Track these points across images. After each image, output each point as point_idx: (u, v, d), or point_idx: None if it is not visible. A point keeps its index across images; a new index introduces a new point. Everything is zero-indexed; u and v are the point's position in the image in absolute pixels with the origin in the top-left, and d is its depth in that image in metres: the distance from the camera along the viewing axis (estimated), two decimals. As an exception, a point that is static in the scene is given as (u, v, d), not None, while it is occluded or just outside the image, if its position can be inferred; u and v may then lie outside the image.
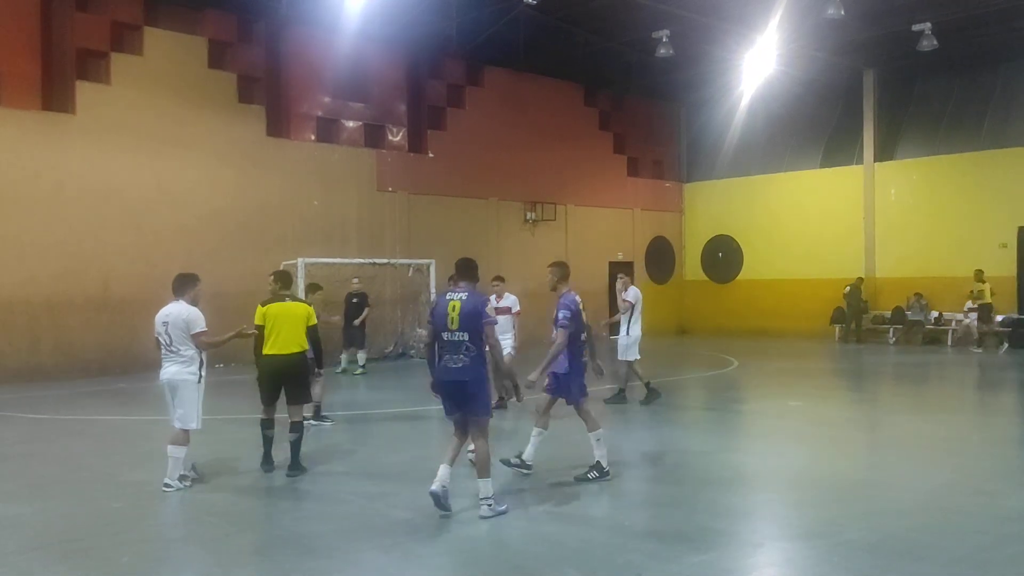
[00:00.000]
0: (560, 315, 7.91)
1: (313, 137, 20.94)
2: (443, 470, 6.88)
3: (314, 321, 8.60)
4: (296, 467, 8.30)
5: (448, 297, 7.08)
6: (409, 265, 20.70)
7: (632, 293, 13.00)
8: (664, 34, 21.01)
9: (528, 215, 24.87)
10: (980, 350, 21.23)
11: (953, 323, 22.81)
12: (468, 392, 6.93)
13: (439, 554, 6.08)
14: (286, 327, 8.32)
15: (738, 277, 27.90)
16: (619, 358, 13.03)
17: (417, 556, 6.01)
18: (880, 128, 25.21)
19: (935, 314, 23.28)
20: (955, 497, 7.49)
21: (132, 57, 18.01)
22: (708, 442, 10.47)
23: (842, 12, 18.35)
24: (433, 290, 20.29)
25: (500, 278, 13.00)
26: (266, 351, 8.35)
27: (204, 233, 18.61)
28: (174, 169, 18.37)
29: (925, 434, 10.68)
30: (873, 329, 24.30)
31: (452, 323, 6.92)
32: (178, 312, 7.85)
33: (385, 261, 20.19)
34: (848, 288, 24.01)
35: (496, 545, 6.28)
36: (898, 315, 23.85)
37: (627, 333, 12.84)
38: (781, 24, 20.15)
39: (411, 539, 6.40)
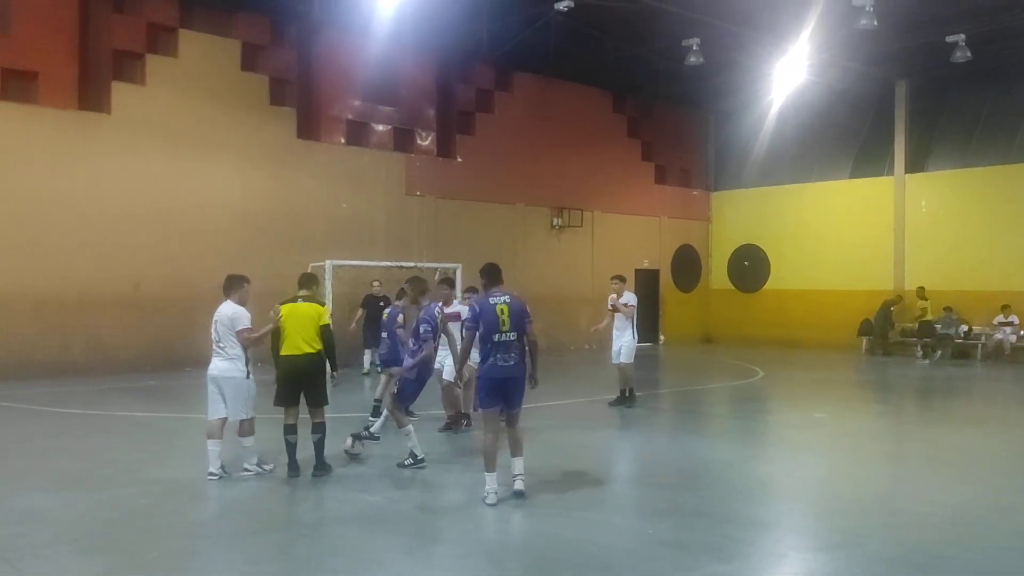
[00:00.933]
0: (422, 328, 8.80)
1: (343, 140, 21.09)
2: (513, 464, 7.49)
3: (326, 321, 8.50)
4: (321, 467, 8.37)
5: (493, 301, 7.49)
6: (436, 269, 20.74)
7: (631, 297, 13.31)
8: (694, 42, 20.97)
9: (555, 221, 24.89)
10: (927, 361, 21.97)
11: (983, 337, 22.57)
12: (519, 387, 7.55)
13: (462, 556, 6.11)
14: (296, 328, 8.29)
15: (765, 287, 27.73)
16: (624, 361, 13.13)
17: (440, 558, 6.06)
18: (912, 139, 24.98)
19: (964, 328, 23.00)
20: (980, 511, 7.42)
21: (167, 59, 18.25)
22: (733, 452, 10.42)
23: (875, 23, 18.22)
24: (459, 294, 20.31)
25: (450, 281, 12.48)
26: (282, 352, 8.40)
27: (234, 234, 18.79)
28: (206, 169, 18.59)
29: (951, 448, 10.56)
30: (901, 342, 24.05)
31: (504, 325, 7.41)
32: (225, 311, 8.26)
33: (412, 264, 20.22)
34: (892, 308, 23.80)
35: (519, 549, 6.32)
36: (926, 328, 23.58)
37: (633, 337, 13.14)
38: (813, 34, 20.04)
39: (434, 541, 6.46)
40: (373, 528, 6.88)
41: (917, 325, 23.00)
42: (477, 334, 7.56)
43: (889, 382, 18.95)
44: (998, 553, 6.22)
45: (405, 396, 9.05)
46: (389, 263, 19.96)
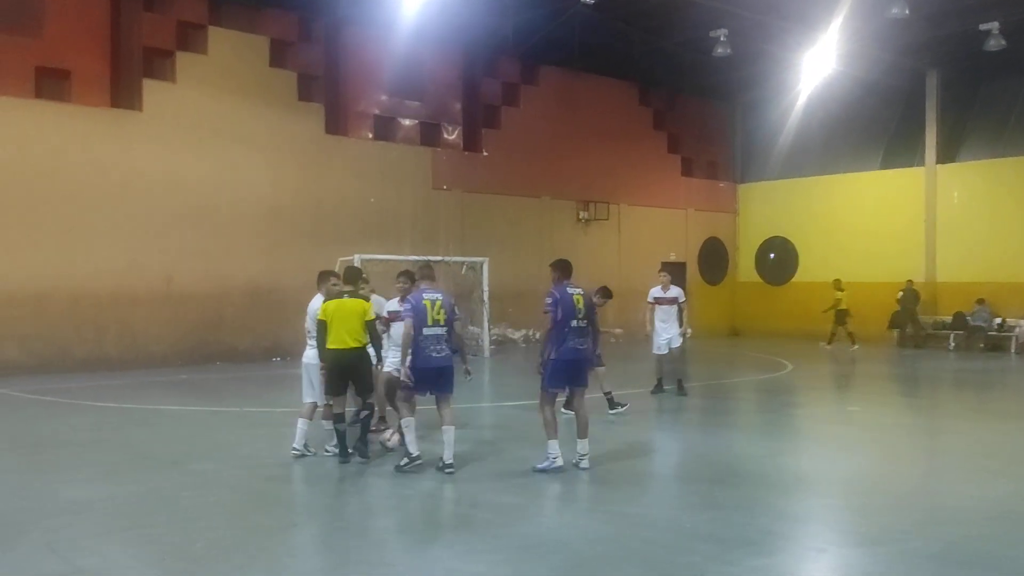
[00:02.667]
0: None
1: (370, 135, 21.19)
2: (579, 444, 8.30)
3: (371, 317, 8.79)
4: (364, 443, 8.68)
5: (570, 291, 8.32)
6: (463, 263, 20.81)
7: (678, 291, 13.64)
8: (722, 33, 20.86)
9: (581, 214, 24.86)
10: (856, 347, 22.85)
11: (1016, 329, 22.29)
12: (585, 369, 8.48)
13: (500, 550, 6.12)
14: (342, 323, 8.58)
15: (793, 279, 27.53)
16: (675, 349, 13.39)
17: (478, 552, 6.07)
18: (943, 130, 24.69)
19: (998, 320, 22.74)
20: (1020, 507, 7.34)
21: (197, 56, 18.43)
22: (766, 446, 10.38)
23: (907, 12, 18.03)
24: (486, 288, 20.40)
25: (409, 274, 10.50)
26: (328, 345, 8.65)
27: (264, 228, 18.99)
28: (235, 166, 18.76)
29: (987, 442, 10.44)
30: (933, 334, 23.80)
31: (579, 312, 8.25)
32: (311, 304, 9.01)
33: (439, 259, 20.27)
34: (901, 292, 23.63)
35: (557, 544, 6.31)
36: (959, 320, 23.35)
37: (680, 328, 13.45)
38: (843, 24, 19.85)
39: (472, 535, 6.47)
40: (411, 521, 6.95)
41: (835, 314, 23.42)
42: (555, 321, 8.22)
43: (921, 375, 18.78)
44: (1040, 549, 6.16)
45: (400, 388, 8.60)
46: (416, 257, 20.05)
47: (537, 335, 23.61)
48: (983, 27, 20.14)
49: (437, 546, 6.26)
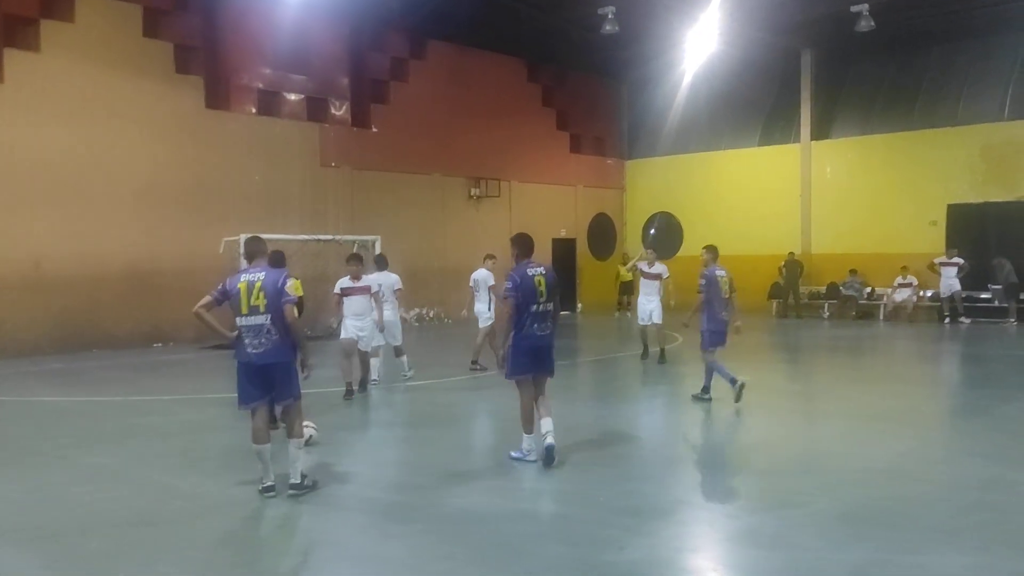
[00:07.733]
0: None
1: (254, 110, 20.38)
2: (543, 423, 7.56)
3: (299, 292, 8.54)
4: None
5: (531, 272, 7.59)
6: (353, 241, 20.35)
7: (663, 268, 15.40)
8: (610, 11, 20.98)
9: (472, 191, 24.71)
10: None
11: (884, 298, 23.54)
12: (551, 355, 7.76)
13: (418, 533, 6.01)
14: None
15: (678, 253, 28.16)
16: (656, 322, 14.85)
17: (396, 536, 5.94)
18: (816, 108, 25.70)
19: (868, 290, 23.97)
20: (915, 466, 7.73)
21: (63, 24, 17.24)
22: (667, 417, 10.63)
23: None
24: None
25: (358, 257, 11.87)
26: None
27: (141, 208, 18.06)
28: (108, 141, 17.71)
29: (872, 405, 10.95)
30: (808, 304, 24.87)
31: (541, 296, 7.57)
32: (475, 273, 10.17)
33: (330, 237, 19.84)
34: (783, 264, 24.56)
35: (475, 522, 6.23)
36: (832, 290, 24.48)
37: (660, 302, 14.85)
38: (723, 3, 20.32)
39: (387, 519, 6.32)
40: (325, 508, 6.70)
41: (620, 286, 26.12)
42: (515, 304, 7.56)
43: (802, 343, 19.59)
44: (941, 507, 6.47)
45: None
46: (306, 236, 19.49)
47: (431, 314, 23.54)
48: (854, 8, 20.95)
49: (351, 530, 6.09)
